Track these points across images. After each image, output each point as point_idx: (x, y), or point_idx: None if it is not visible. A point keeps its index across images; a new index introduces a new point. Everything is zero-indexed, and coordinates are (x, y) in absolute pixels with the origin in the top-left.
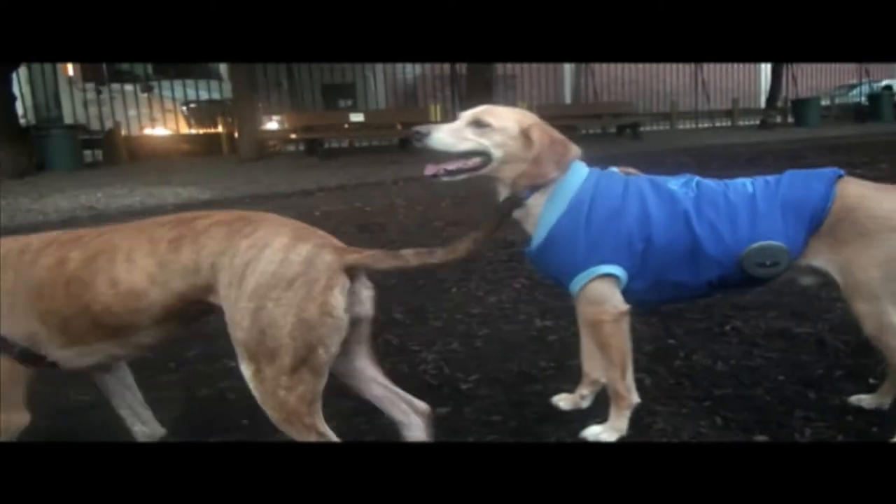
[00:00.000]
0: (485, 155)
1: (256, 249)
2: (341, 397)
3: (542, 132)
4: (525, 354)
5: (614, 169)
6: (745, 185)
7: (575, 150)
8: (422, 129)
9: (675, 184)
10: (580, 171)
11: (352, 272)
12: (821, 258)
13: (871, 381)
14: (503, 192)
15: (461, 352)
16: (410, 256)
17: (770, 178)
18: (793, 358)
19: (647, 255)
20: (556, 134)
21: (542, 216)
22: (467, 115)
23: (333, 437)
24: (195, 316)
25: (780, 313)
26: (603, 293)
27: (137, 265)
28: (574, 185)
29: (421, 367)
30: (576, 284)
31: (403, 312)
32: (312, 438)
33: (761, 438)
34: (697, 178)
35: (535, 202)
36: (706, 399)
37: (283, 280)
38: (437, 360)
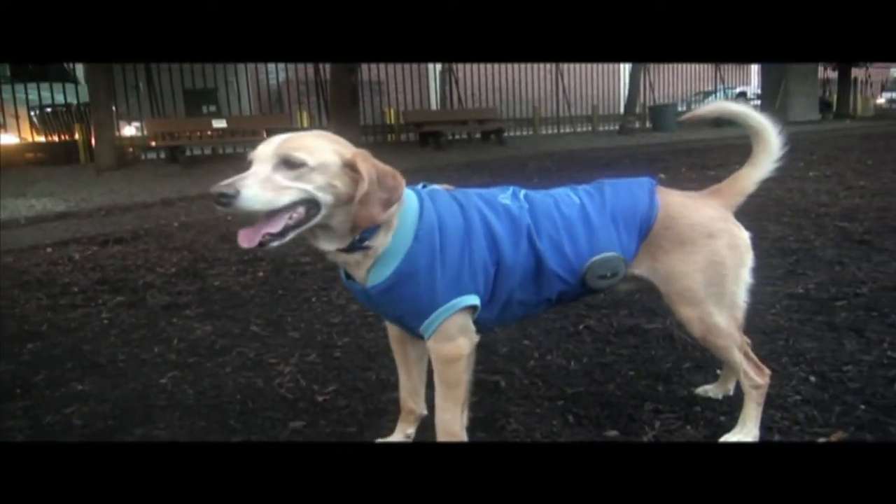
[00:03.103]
0: (310, 202)
1: None
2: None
3: (369, 164)
4: (385, 362)
5: (436, 186)
6: (569, 195)
7: (403, 180)
8: (225, 188)
9: (504, 197)
10: (409, 195)
11: None
12: (643, 267)
13: (718, 371)
14: (330, 241)
15: (319, 363)
16: None
17: (589, 187)
18: (643, 353)
19: (498, 278)
20: (381, 164)
21: (383, 256)
22: (267, 152)
23: None
24: None
25: (631, 311)
26: (461, 327)
27: None
28: (413, 212)
29: (277, 380)
30: (434, 321)
31: (261, 324)
32: None
33: (612, 433)
34: (522, 189)
35: (382, 240)
36: (559, 398)
37: None
38: (294, 373)
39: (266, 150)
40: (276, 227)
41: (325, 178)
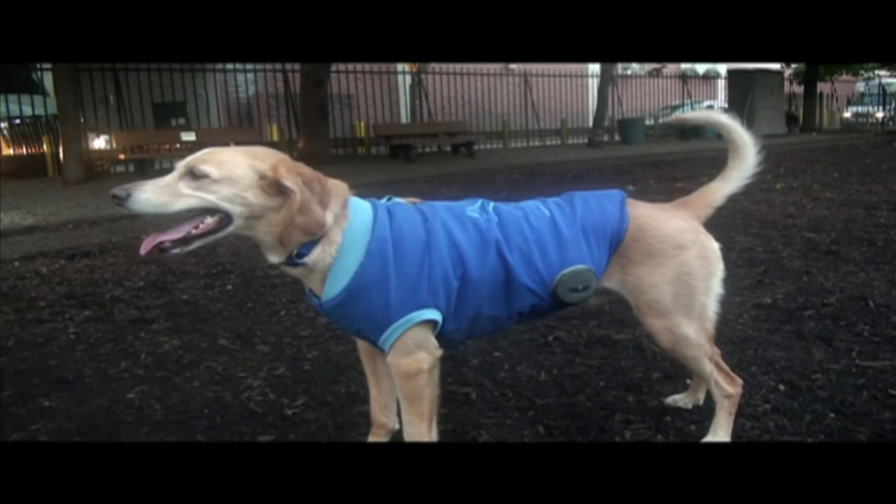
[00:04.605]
0: (219, 212)
1: None
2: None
3: (293, 173)
4: (353, 375)
5: (399, 200)
6: (539, 208)
7: (338, 184)
8: (119, 190)
9: (472, 210)
10: (363, 209)
11: None
12: (613, 279)
13: (688, 381)
14: (269, 254)
15: (288, 376)
16: None
17: (559, 200)
18: (613, 364)
19: (463, 292)
20: (306, 169)
21: (335, 267)
22: (183, 163)
23: None
24: None
25: (601, 322)
26: (420, 341)
27: None
28: (364, 226)
29: (245, 394)
30: (391, 335)
31: (230, 338)
32: None
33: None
34: (491, 202)
35: (321, 255)
36: (530, 409)
37: None
38: (263, 387)
39: (183, 162)
40: (176, 234)
41: (233, 190)
